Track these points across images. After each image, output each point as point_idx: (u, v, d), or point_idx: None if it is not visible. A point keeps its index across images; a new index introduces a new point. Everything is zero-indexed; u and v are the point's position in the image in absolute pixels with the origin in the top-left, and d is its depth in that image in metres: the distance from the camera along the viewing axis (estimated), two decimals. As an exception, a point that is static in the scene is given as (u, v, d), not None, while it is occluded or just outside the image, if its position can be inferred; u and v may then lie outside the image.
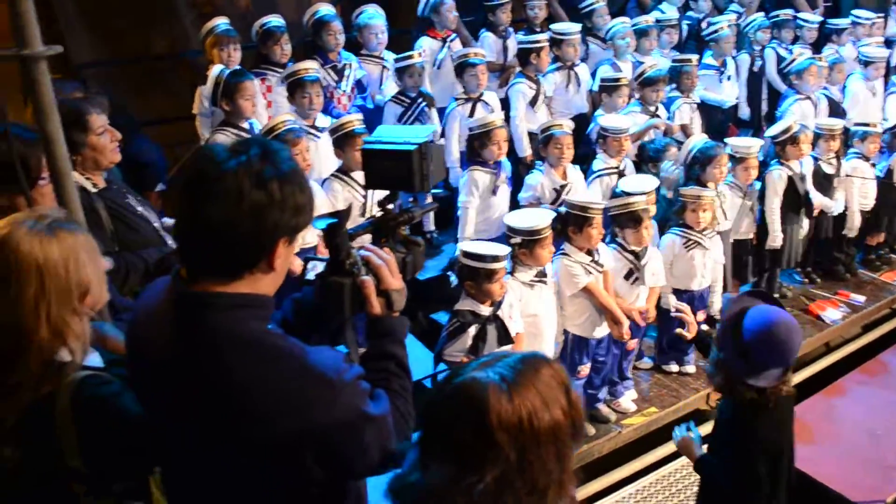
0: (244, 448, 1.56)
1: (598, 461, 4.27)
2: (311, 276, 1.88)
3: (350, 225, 1.90)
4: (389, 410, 1.68)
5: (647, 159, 5.11)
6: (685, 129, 5.38)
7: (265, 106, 4.90)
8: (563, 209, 4.01)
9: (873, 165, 5.58)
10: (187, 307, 1.58)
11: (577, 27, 5.71)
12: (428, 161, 1.98)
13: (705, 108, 6.07)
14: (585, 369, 4.11)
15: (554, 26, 5.74)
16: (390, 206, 2.04)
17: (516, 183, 4.72)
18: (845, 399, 4.98)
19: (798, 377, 5.19)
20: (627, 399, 4.38)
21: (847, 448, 4.55)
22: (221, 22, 4.99)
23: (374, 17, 5.35)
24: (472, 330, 3.51)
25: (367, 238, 2.00)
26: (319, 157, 4.45)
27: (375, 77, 5.38)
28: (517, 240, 3.67)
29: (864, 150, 5.48)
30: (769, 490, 2.76)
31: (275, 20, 5.12)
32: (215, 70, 4.44)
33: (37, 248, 1.79)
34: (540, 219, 3.68)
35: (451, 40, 5.65)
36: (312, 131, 4.48)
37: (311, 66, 4.63)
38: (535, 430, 1.33)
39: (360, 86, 5.24)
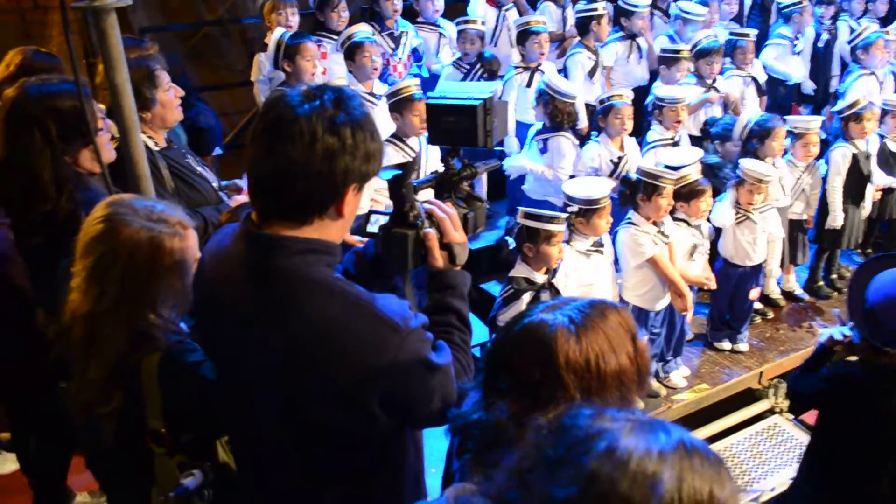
0: (311, 388, 1.58)
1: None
2: (373, 228, 1.89)
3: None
4: (451, 361, 1.69)
5: (710, 137, 5.02)
6: (735, 105, 5.24)
7: (321, 73, 4.91)
8: (634, 175, 3.95)
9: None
10: (259, 248, 1.60)
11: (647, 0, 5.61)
12: (492, 116, 1.97)
13: (770, 82, 5.91)
14: (643, 342, 4.05)
15: None
16: (454, 162, 2.04)
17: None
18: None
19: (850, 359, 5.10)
20: (678, 375, 4.33)
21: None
22: (278, -13, 5.01)
23: (432, -16, 5.33)
24: (527, 297, 3.50)
25: (429, 193, 2.01)
26: (378, 123, 4.44)
27: (432, 45, 5.36)
28: (574, 208, 3.63)
29: (935, 127, 5.27)
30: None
31: (333, -15, 5.13)
32: (277, 33, 4.49)
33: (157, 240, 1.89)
34: (599, 188, 3.64)
35: (508, 9, 5.58)
36: (370, 98, 4.49)
37: (365, 28, 4.63)
38: (601, 372, 1.34)
39: (415, 54, 5.22)
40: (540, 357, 1.35)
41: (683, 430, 0.99)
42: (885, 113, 5.10)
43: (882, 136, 5.12)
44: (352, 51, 4.48)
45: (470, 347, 1.87)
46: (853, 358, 2.72)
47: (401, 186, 1.80)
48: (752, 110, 4.86)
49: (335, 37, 4.94)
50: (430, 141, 2.13)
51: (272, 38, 4.48)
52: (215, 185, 3.25)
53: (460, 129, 1.97)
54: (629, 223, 3.90)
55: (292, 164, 1.52)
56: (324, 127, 1.52)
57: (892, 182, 5.20)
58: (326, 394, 1.58)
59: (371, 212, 1.96)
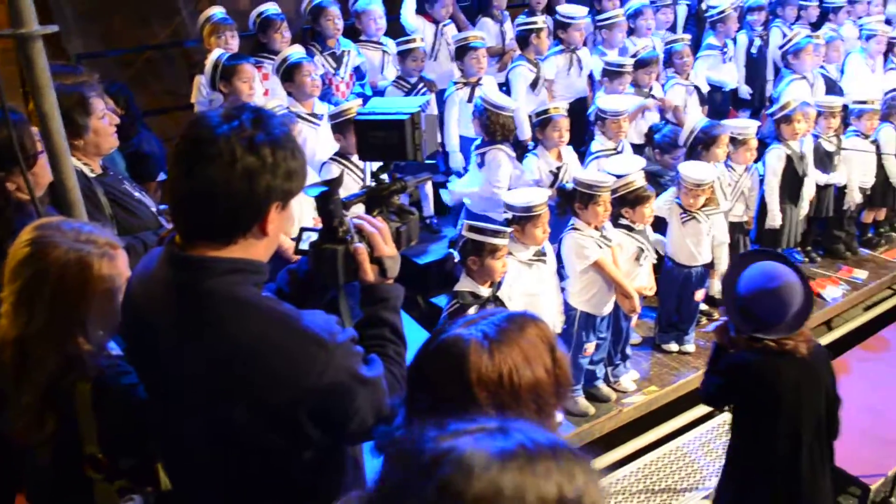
0: (241, 408, 1.58)
1: (599, 440, 4.30)
2: (304, 245, 1.91)
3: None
4: (383, 374, 1.70)
5: (654, 146, 5.13)
6: (677, 113, 5.37)
7: (262, 94, 4.91)
8: (569, 185, 4.03)
9: (873, 142, 5.58)
10: (184, 270, 1.61)
11: (584, 11, 5.70)
12: (421, 130, 2.00)
13: (710, 90, 6.07)
14: (592, 347, 4.13)
15: (560, 8, 5.72)
16: (384, 177, 2.06)
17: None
18: (847, 376, 4.98)
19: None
20: (628, 378, 4.40)
21: (848, 423, 4.53)
22: (218, 11, 5.02)
23: (373, 3, 5.35)
24: (472, 311, 3.53)
25: (361, 208, 2.03)
26: (320, 144, 4.46)
27: (376, 63, 5.39)
28: (509, 215, 3.69)
29: (863, 127, 5.48)
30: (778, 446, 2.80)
31: (273, 8, 5.15)
32: (214, 54, 4.49)
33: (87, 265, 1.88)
34: (535, 196, 3.70)
35: (446, 25, 5.64)
36: (312, 119, 4.50)
37: (300, 49, 4.65)
38: (514, 386, 1.34)
39: (359, 72, 5.25)
40: (453, 373, 1.35)
41: (533, 431, 0.97)
42: (818, 114, 5.28)
43: (816, 137, 5.30)
44: (290, 72, 4.49)
45: (404, 360, 1.87)
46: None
47: (328, 202, 1.82)
48: (696, 117, 4.98)
49: (276, 58, 4.94)
50: (360, 157, 2.15)
51: (209, 59, 4.48)
52: (154, 209, 3.23)
53: (389, 144, 1.99)
54: (573, 229, 3.97)
55: (212, 185, 1.53)
56: (243, 147, 1.53)
57: (828, 180, 5.38)
58: (256, 412, 1.58)
59: (302, 229, 1.97)
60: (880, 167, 5.69)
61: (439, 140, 4.96)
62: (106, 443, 1.90)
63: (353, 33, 5.44)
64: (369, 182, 2.08)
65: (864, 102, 5.50)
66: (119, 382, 1.90)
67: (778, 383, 2.77)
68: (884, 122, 5.66)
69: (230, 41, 4.90)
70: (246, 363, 1.56)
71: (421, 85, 5.02)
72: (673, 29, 6.53)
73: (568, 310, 4.10)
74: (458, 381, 1.34)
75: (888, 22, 7.29)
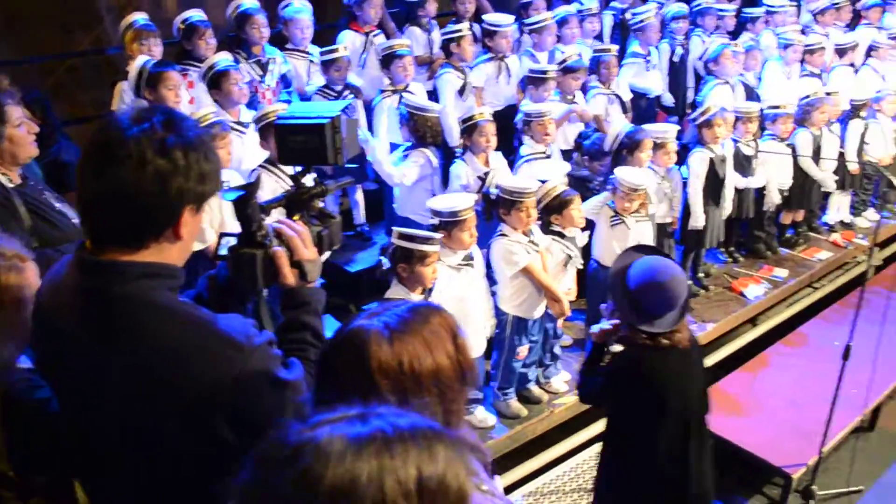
0: (157, 415, 1.55)
1: (532, 441, 4.36)
2: (223, 250, 1.89)
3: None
4: (303, 377, 1.69)
5: (583, 152, 5.23)
6: (598, 121, 5.49)
7: (188, 102, 4.83)
8: (494, 191, 4.08)
9: (789, 146, 5.81)
10: (95, 275, 1.57)
11: (510, 19, 5.78)
12: (341, 134, 2.00)
13: (635, 97, 6.23)
14: (524, 350, 4.19)
15: (486, 17, 5.80)
16: (304, 181, 2.06)
17: (446, 172, 4.76)
18: (769, 370, 5.18)
19: (724, 351, 5.41)
20: (559, 380, 4.47)
21: (771, 416, 4.74)
22: (140, 17, 4.91)
23: (300, 11, 5.33)
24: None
25: (281, 212, 2.02)
26: (247, 151, 4.41)
27: (302, 71, 5.36)
28: (436, 221, 3.72)
29: (779, 131, 5.71)
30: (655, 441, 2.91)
31: (198, 15, 5.07)
32: (139, 61, 4.40)
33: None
34: (461, 201, 3.74)
35: (375, 35, 5.65)
36: (238, 126, 4.45)
37: (227, 56, 4.60)
38: (416, 373, 1.38)
39: (285, 80, 5.21)
40: (355, 364, 1.38)
41: (394, 415, 0.99)
42: (736, 119, 5.47)
43: (735, 141, 5.49)
44: (216, 80, 4.43)
45: None
46: (619, 347, 3.00)
47: (246, 207, 1.81)
48: (621, 124, 5.10)
49: (202, 65, 4.87)
50: (280, 161, 2.14)
51: (134, 66, 4.38)
52: (76, 221, 3.15)
53: (309, 149, 1.99)
54: (501, 234, 4.02)
55: (122, 187, 1.50)
56: (154, 149, 1.51)
57: (747, 183, 5.58)
58: (173, 418, 1.56)
59: (221, 234, 1.95)
60: (797, 170, 5.93)
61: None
62: (17, 460, 1.84)
63: (280, 41, 5.41)
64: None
65: (778, 107, 5.73)
66: (30, 397, 1.84)
67: (667, 377, 2.88)
68: (800, 126, 5.91)
69: (154, 49, 4.81)
70: (161, 368, 1.54)
71: (347, 93, 5.01)
72: (600, 38, 6.68)
73: (499, 314, 4.15)
74: (359, 370, 1.37)
75: (803, 31, 7.63)
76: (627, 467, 3.04)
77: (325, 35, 5.77)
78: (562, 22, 6.09)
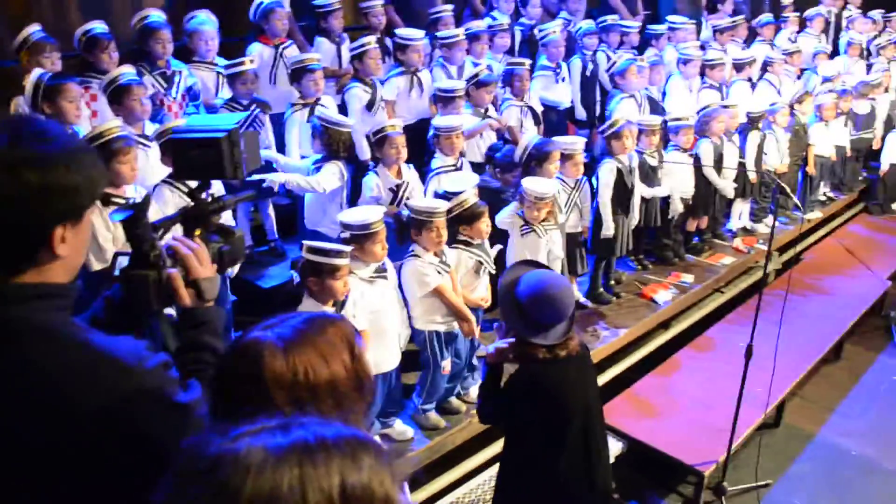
0: (46, 442, 1.48)
1: (452, 452, 4.36)
2: (118, 271, 1.82)
3: None
4: (200, 398, 1.64)
5: (495, 164, 5.30)
6: (513, 132, 5.59)
7: (90, 116, 4.67)
8: (405, 212, 4.08)
9: (691, 156, 6.04)
10: None
11: (422, 33, 5.82)
12: (239, 148, 1.96)
13: (545, 110, 6.36)
14: (448, 364, 4.19)
15: (398, 31, 5.83)
16: (203, 196, 2.01)
17: (356, 186, 4.74)
18: (679, 373, 5.35)
19: (637, 356, 5.55)
20: (477, 389, 4.48)
21: (683, 417, 4.89)
22: (36, 29, 4.73)
23: (205, 24, 5.23)
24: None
25: (179, 229, 1.96)
26: (150, 166, 4.29)
27: (210, 84, 5.26)
28: (347, 234, 3.70)
29: (681, 142, 5.93)
30: (559, 448, 2.95)
31: (100, 27, 4.92)
32: (34, 74, 4.22)
33: None
34: (371, 214, 3.73)
35: (286, 47, 5.60)
36: (142, 141, 4.32)
37: (130, 70, 4.47)
38: (311, 384, 1.36)
39: (192, 93, 5.10)
40: (250, 376, 1.36)
41: (316, 425, 0.98)
42: (640, 132, 5.66)
43: (640, 153, 5.67)
44: (118, 94, 4.30)
45: None
46: (514, 367, 3.03)
47: (136, 226, 1.75)
48: (530, 135, 5.19)
49: (104, 78, 4.71)
50: (177, 176, 2.09)
51: (29, 79, 4.20)
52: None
53: (207, 163, 1.93)
54: (413, 255, 4.02)
55: None
56: (11, 167, 1.41)
57: (653, 193, 5.76)
58: (63, 446, 1.48)
59: (116, 253, 1.89)
60: (700, 179, 6.17)
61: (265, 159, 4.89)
62: None
63: (187, 53, 5.30)
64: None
65: (680, 119, 5.96)
66: None
67: (567, 387, 2.94)
68: (701, 137, 6.16)
69: (51, 62, 4.63)
70: (48, 394, 1.46)
71: (254, 107, 4.94)
72: (510, 52, 6.80)
73: (417, 333, 4.15)
74: (254, 383, 1.35)
75: (703, 47, 7.98)
76: (533, 481, 3.05)
77: (235, 48, 5.68)
78: (473, 37, 6.17)
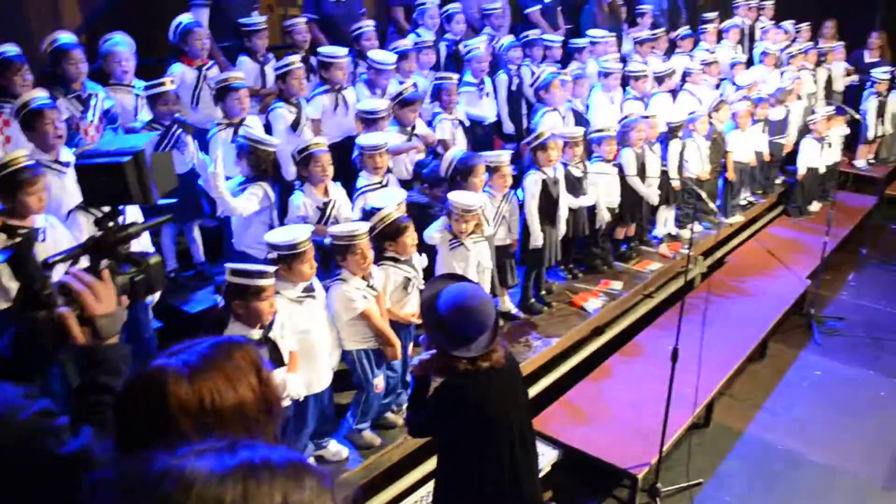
0: None
1: (389, 469, 4.34)
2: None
3: None
4: (89, 444, 1.57)
5: (422, 180, 5.32)
6: (445, 144, 5.64)
7: (3, 143, 4.52)
8: (327, 240, 4.07)
9: (615, 166, 6.19)
10: None
11: (345, 51, 5.82)
12: (147, 171, 1.91)
13: (472, 125, 6.42)
14: (380, 381, 4.17)
15: (321, 49, 5.82)
16: (111, 224, 1.95)
17: (283, 206, 4.69)
18: (611, 379, 5.45)
19: (568, 364, 5.63)
20: (412, 405, 4.48)
21: (615, 422, 4.98)
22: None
23: (119, 45, 5.12)
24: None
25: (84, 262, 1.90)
26: (68, 193, 4.17)
27: (129, 106, 5.15)
28: (274, 255, 3.66)
29: (604, 152, 6.07)
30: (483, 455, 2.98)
31: (12, 49, 4.77)
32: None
33: None
34: (298, 233, 3.70)
35: (208, 68, 5.53)
36: (56, 166, 4.20)
37: (42, 94, 4.35)
38: (217, 410, 1.35)
39: (109, 116, 4.98)
40: (155, 403, 1.34)
41: (263, 448, 1.00)
42: (565, 144, 5.76)
43: (565, 164, 5.77)
44: (30, 119, 4.16)
45: None
46: (439, 379, 3.06)
47: (23, 265, 1.68)
48: (455, 150, 5.24)
49: (16, 102, 4.57)
50: (86, 203, 2.02)
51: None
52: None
53: (113, 188, 1.88)
54: (340, 280, 4.00)
55: None
56: None
57: (579, 203, 5.87)
58: None
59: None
60: (625, 188, 6.32)
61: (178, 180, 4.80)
62: None
63: (105, 76, 5.18)
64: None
65: (602, 131, 6.10)
66: None
67: (492, 398, 2.96)
68: (624, 147, 6.31)
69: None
70: None
71: (175, 128, 4.86)
72: (436, 68, 6.86)
73: (347, 354, 4.13)
74: (159, 411, 1.33)
75: (625, 59, 8.20)
76: (462, 492, 3.07)
77: (156, 69, 5.57)
78: (400, 55, 6.20)
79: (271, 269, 3.52)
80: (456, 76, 6.20)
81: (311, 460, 4.01)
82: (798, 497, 4.89)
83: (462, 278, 3.20)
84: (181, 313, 4.68)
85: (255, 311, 3.45)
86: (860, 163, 10.19)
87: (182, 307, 4.73)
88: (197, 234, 5.26)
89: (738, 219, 8.03)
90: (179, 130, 4.85)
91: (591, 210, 6.06)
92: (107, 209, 1.93)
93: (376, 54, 5.93)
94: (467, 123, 6.17)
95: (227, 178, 4.63)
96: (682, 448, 5.14)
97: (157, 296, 3.68)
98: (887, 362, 6.52)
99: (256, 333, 3.50)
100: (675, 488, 4.83)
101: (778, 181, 9.07)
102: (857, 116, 9.36)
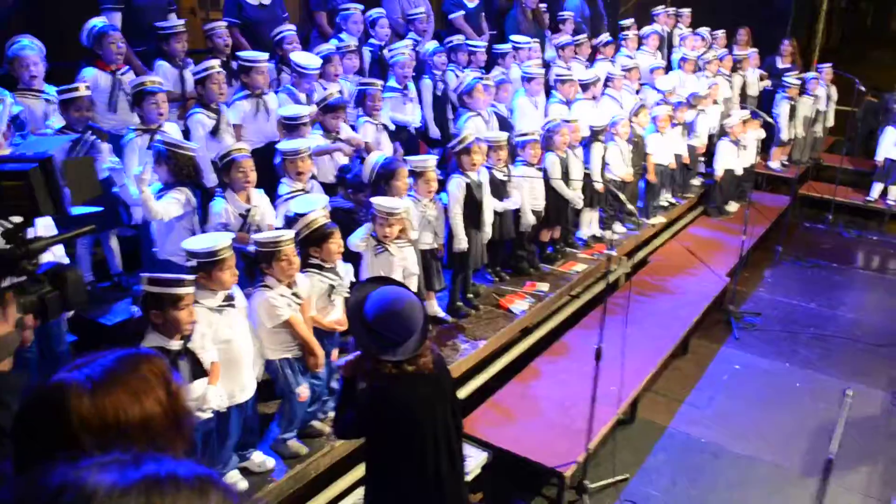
0: None
1: (318, 478, 4.28)
2: None
3: None
4: None
5: (346, 185, 5.28)
6: (370, 149, 5.62)
7: None
8: (251, 248, 4.01)
9: (539, 169, 6.28)
10: None
11: (265, 55, 5.74)
12: (56, 178, 1.82)
13: (398, 130, 6.42)
14: (305, 389, 4.11)
15: (241, 54, 5.73)
16: (20, 236, 1.84)
17: (205, 212, 4.59)
18: (538, 380, 5.52)
19: (497, 366, 5.68)
20: (338, 410, 4.44)
21: (543, 421, 5.04)
22: None
23: (25, 49, 4.93)
24: (163, 368, 3.35)
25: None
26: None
27: (38, 112, 4.95)
28: (193, 263, 3.59)
29: (528, 156, 6.16)
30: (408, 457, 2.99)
31: None
32: None
33: None
34: (218, 240, 3.63)
35: (123, 72, 5.38)
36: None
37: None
38: (122, 424, 1.31)
39: (18, 123, 4.79)
40: (55, 421, 1.29)
41: (168, 461, 0.98)
42: (489, 148, 5.82)
43: (489, 168, 5.83)
44: (-73, 126, 3.99)
45: None
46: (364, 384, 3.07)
47: None
48: (377, 154, 5.22)
49: (-85, 111, 4.36)
50: (-5, 215, 1.91)
51: None
52: None
53: (20, 197, 1.78)
54: (264, 286, 3.94)
55: None
56: None
57: (504, 206, 5.93)
58: None
59: None
60: (550, 191, 6.42)
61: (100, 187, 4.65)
62: None
63: (13, 81, 4.98)
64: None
65: (527, 135, 6.19)
66: None
67: (416, 403, 2.97)
68: (547, 151, 6.41)
69: None
70: None
71: (90, 134, 4.71)
72: (360, 73, 6.84)
73: (269, 363, 4.07)
74: (60, 428, 1.28)
75: (548, 65, 8.34)
76: (387, 496, 3.07)
77: (68, 74, 5.39)
78: (324, 60, 6.15)
79: (190, 277, 3.44)
80: (380, 82, 6.19)
81: (236, 472, 3.94)
82: (720, 487, 5.05)
83: (391, 281, 3.19)
84: (98, 326, 4.53)
85: (174, 320, 3.36)
86: (774, 164, 10.62)
87: (99, 319, 4.58)
88: (114, 243, 5.11)
89: (659, 220, 8.25)
90: (93, 137, 4.70)
91: (517, 213, 6.13)
92: (18, 220, 1.84)
93: (299, 57, 5.87)
94: (392, 128, 6.17)
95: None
96: (608, 445, 5.25)
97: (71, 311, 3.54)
98: (802, 355, 6.81)
99: (176, 344, 3.42)
100: (602, 484, 4.92)
101: (697, 182, 9.37)
102: (770, 120, 9.76)
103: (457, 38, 7.53)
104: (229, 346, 3.70)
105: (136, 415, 1.33)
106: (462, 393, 5.15)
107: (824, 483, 3.32)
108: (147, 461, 0.96)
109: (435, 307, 5.52)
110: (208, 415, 3.56)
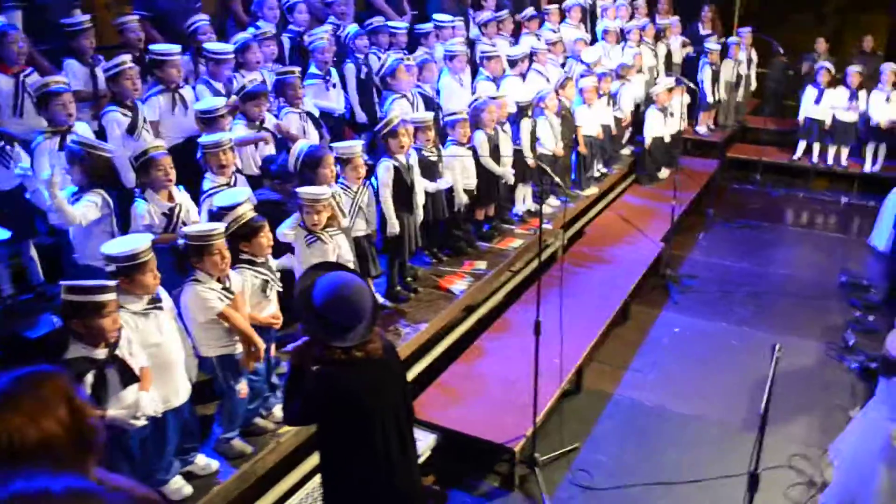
0: None
1: (266, 475, 4.21)
2: None
3: None
4: None
5: (272, 176, 5.16)
6: (294, 137, 5.49)
7: None
8: (181, 242, 3.88)
9: (469, 148, 6.25)
10: None
11: (178, 48, 5.53)
12: None
13: (323, 117, 6.29)
14: (244, 386, 4.01)
15: (153, 47, 5.51)
16: None
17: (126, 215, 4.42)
18: (482, 358, 5.53)
19: (440, 348, 5.67)
20: (280, 408, 4.36)
21: (489, 399, 5.05)
22: None
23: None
24: (90, 378, 3.22)
25: None
26: None
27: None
28: (113, 268, 3.45)
29: (458, 135, 6.12)
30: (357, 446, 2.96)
31: None
32: None
33: None
34: (138, 243, 3.49)
35: (27, 75, 5.12)
36: None
37: None
38: (17, 449, 1.27)
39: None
40: None
41: (45, 479, 0.94)
42: (416, 129, 5.76)
43: (419, 149, 5.77)
44: None
45: None
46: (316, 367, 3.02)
47: None
48: (301, 143, 5.10)
49: None
50: None
51: None
52: None
53: None
54: (194, 280, 3.82)
55: None
56: None
57: (436, 187, 5.88)
58: None
59: None
60: (481, 169, 6.40)
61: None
62: None
63: None
64: None
65: (455, 114, 6.15)
66: None
67: (365, 389, 2.94)
68: (476, 129, 6.38)
69: None
70: None
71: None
72: (280, 61, 6.68)
73: (204, 360, 3.96)
74: None
75: (473, 43, 8.30)
76: (338, 483, 3.04)
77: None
78: (243, 48, 5.99)
79: (111, 283, 3.30)
80: (298, 69, 6.05)
81: (179, 478, 3.83)
82: (667, 447, 5.14)
83: (338, 266, 3.13)
84: (21, 339, 4.34)
85: (97, 328, 3.23)
86: (701, 129, 10.84)
87: (22, 332, 4.39)
88: (33, 252, 4.89)
89: (593, 190, 8.33)
90: (1, 143, 4.47)
91: (449, 193, 6.09)
92: None
93: (213, 45, 5.69)
94: (316, 114, 6.04)
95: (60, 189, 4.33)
96: (556, 417, 5.30)
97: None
98: (737, 314, 6.98)
99: (101, 352, 3.29)
100: (552, 456, 4.96)
101: (627, 152, 9.49)
102: (694, 86, 9.94)
103: (377, 20, 7.42)
104: (159, 350, 3.58)
105: (32, 437, 1.28)
106: (408, 377, 5.11)
107: (760, 437, 3.39)
108: (17, 479, 0.93)
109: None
110: (143, 422, 3.44)
